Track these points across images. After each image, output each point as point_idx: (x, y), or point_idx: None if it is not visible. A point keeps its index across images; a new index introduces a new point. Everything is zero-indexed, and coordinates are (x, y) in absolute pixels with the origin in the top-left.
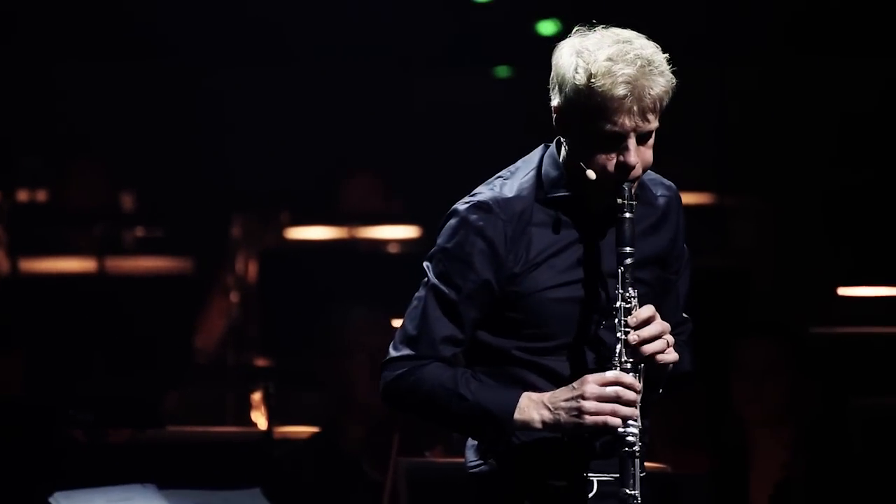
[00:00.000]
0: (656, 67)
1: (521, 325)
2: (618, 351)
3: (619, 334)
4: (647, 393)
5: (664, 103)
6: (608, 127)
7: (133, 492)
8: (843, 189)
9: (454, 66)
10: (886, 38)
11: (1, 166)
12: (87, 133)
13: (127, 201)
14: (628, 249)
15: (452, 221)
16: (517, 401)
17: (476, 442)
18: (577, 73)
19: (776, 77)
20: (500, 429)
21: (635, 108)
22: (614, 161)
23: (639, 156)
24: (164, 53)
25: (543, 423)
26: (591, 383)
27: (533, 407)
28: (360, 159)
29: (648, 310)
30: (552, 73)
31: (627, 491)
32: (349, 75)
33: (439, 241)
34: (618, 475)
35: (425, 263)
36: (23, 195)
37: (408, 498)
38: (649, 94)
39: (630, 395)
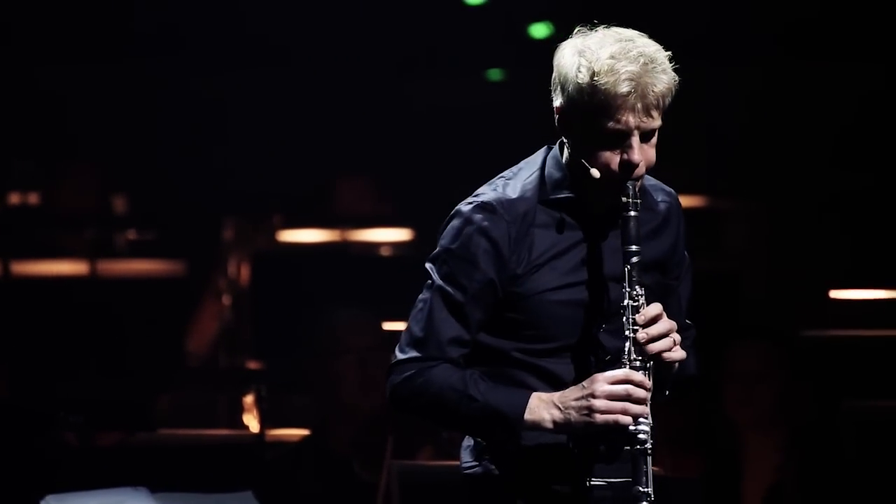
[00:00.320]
0: (659, 65)
1: (522, 326)
2: (627, 349)
3: (627, 332)
4: (654, 394)
5: (667, 101)
6: (612, 124)
7: (125, 495)
8: (834, 193)
9: (446, 69)
10: (879, 43)
11: None
12: (78, 136)
13: (119, 204)
14: (634, 248)
15: (456, 222)
16: (527, 401)
17: (472, 443)
18: (579, 71)
19: (768, 81)
20: (510, 429)
21: (639, 105)
22: (618, 159)
23: (642, 154)
24: (156, 57)
25: (554, 422)
26: (602, 382)
27: (543, 407)
28: (352, 162)
29: (656, 307)
30: (554, 74)
31: (640, 489)
32: (340, 78)
33: (442, 241)
34: (617, 479)
35: (428, 265)
36: (15, 198)
37: (400, 501)
38: (652, 91)
39: (640, 392)
